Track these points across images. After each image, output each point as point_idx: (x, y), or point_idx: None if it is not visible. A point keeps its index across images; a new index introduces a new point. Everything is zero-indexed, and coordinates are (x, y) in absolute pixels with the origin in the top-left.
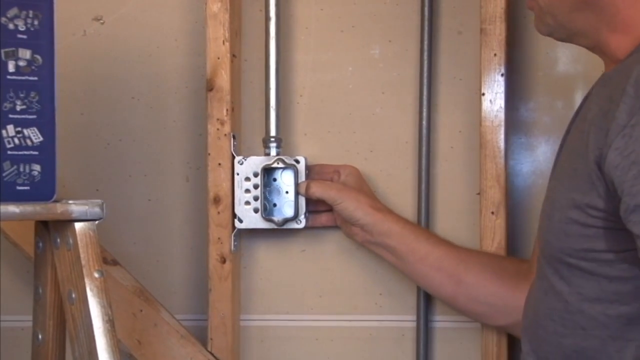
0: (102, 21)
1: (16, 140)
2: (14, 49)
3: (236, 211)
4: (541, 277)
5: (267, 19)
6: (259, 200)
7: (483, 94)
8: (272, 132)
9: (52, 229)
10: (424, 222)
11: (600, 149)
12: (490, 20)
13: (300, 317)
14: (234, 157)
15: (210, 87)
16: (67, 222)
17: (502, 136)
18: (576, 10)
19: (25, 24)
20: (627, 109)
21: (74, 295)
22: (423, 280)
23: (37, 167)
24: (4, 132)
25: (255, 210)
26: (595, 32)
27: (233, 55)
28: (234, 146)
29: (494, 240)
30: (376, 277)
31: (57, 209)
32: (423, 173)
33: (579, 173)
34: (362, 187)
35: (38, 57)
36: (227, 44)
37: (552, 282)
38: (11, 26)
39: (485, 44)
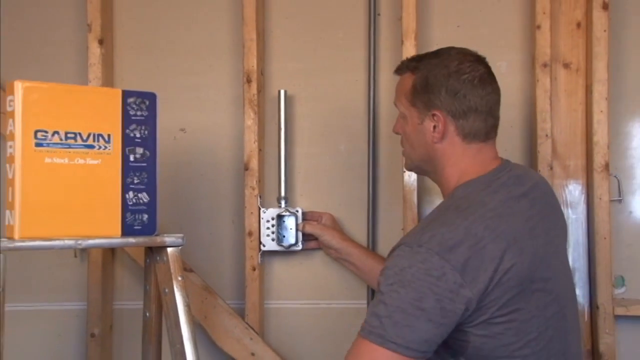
0: (185, 131)
1: (134, 200)
2: (133, 147)
3: (262, 240)
4: None
5: (279, 128)
6: (275, 234)
7: (404, 172)
8: (282, 194)
9: (155, 251)
10: (371, 247)
11: None
12: None
13: (300, 302)
14: (260, 209)
15: (246, 168)
16: (163, 247)
17: (415, 196)
18: (423, 161)
19: (140, 132)
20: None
21: (166, 290)
22: (371, 281)
23: (145, 216)
24: (127, 195)
25: (272, 240)
26: (435, 175)
27: (260, 149)
28: (260, 202)
29: None
30: (343, 278)
31: (157, 240)
32: (371, 218)
33: None
34: (335, 226)
35: (147, 152)
36: (256, 143)
37: None
38: (132, 135)
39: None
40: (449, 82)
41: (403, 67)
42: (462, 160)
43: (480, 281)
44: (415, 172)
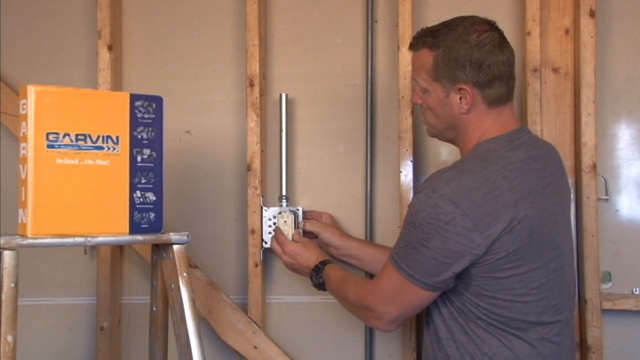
0: (190, 133)
1: (141, 200)
2: (140, 148)
3: (264, 237)
4: None
5: (281, 130)
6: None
7: (401, 172)
8: (284, 193)
9: (161, 248)
10: None
11: None
12: (404, 131)
13: (300, 297)
14: (262, 207)
15: (249, 168)
16: (169, 245)
17: (411, 195)
18: (447, 129)
19: (147, 134)
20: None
21: (172, 286)
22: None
23: (152, 214)
24: (134, 194)
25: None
26: (457, 140)
27: (262, 150)
28: (262, 201)
29: None
30: None
31: (164, 238)
32: (368, 216)
33: None
34: (335, 224)
35: (154, 153)
36: (259, 144)
37: None
38: (139, 136)
39: (402, 144)
40: (472, 55)
41: (419, 44)
42: (485, 123)
43: (492, 227)
44: (438, 139)
